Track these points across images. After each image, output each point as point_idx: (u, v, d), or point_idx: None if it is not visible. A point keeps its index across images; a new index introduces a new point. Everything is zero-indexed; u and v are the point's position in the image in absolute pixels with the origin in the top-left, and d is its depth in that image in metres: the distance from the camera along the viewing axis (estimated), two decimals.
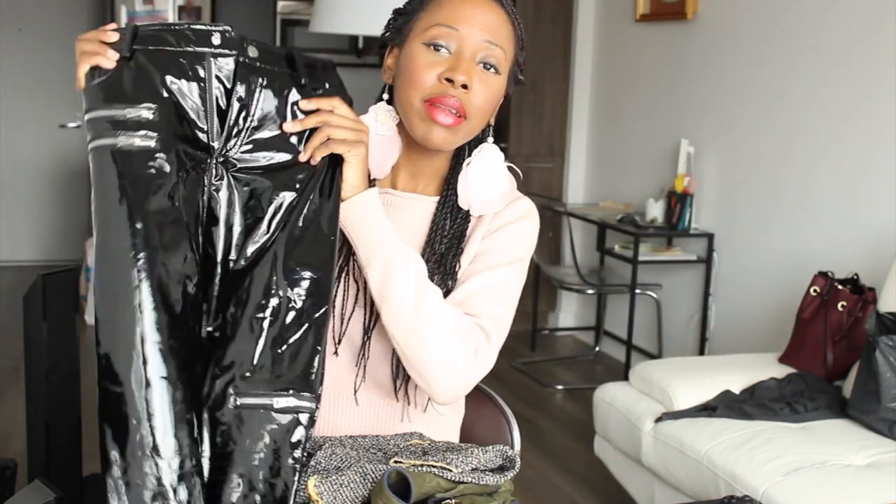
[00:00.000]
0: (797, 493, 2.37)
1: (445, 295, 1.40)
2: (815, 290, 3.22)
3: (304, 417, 1.25)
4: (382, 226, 1.33)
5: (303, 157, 1.30)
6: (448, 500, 1.20)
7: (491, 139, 1.48)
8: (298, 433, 1.24)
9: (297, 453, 1.24)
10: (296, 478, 1.24)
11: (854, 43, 3.60)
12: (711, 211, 4.38)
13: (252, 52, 1.29)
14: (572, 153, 5.43)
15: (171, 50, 1.26)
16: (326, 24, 4.01)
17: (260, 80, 1.29)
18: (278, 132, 1.31)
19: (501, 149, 1.50)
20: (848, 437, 2.69)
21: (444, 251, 1.43)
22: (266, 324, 1.26)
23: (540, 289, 5.16)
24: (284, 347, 1.26)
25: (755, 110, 4.10)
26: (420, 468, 1.22)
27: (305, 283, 1.28)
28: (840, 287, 3.16)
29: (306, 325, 1.28)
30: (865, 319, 3.02)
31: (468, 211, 1.45)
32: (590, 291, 4.73)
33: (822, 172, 3.75)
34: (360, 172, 1.33)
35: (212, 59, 1.27)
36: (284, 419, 1.24)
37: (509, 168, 1.48)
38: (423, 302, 1.32)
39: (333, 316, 1.40)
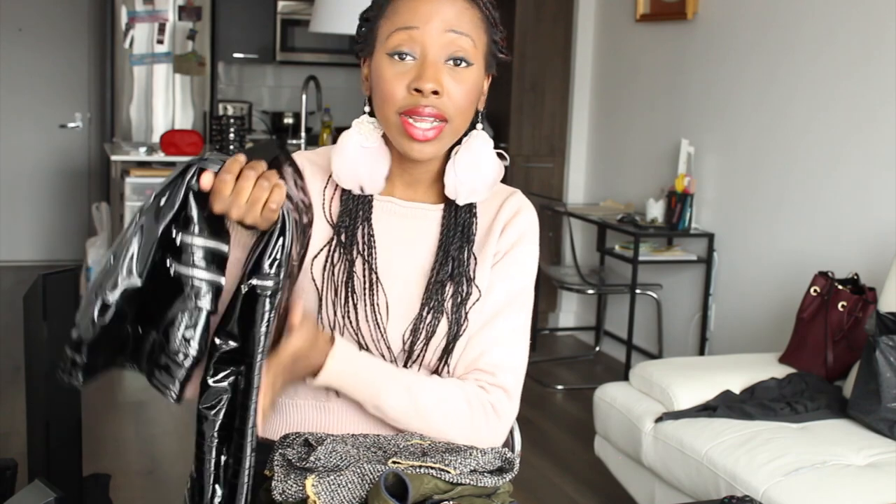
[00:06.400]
0: (797, 493, 2.37)
1: (465, 299, 1.40)
2: (815, 290, 3.21)
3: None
4: (355, 376, 1.33)
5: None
6: (446, 502, 1.20)
7: (480, 125, 1.44)
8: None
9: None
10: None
11: (855, 42, 3.60)
12: (711, 211, 4.37)
13: None
14: (572, 153, 5.43)
15: None
16: (326, 24, 4.01)
17: None
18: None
19: (502, 149, 1.48)
20: (848, 437, 2.68)
21: (455, 256, 1.42)
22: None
23: (540, 289, 5.13)
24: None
25: (755, 110, 4.10)
26: (418, 469, 1.21)
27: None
28: (840, 287, 3.16)
29: None
30: (865, 319, 3.02)
31: (473, 212, 1.44)
32: (590, 291, 4.73)
33: (822, 172, 3.74)
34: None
35: None
36: None
37: (498, 155, 1.44)
38: (426, 414, 1.37)
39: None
